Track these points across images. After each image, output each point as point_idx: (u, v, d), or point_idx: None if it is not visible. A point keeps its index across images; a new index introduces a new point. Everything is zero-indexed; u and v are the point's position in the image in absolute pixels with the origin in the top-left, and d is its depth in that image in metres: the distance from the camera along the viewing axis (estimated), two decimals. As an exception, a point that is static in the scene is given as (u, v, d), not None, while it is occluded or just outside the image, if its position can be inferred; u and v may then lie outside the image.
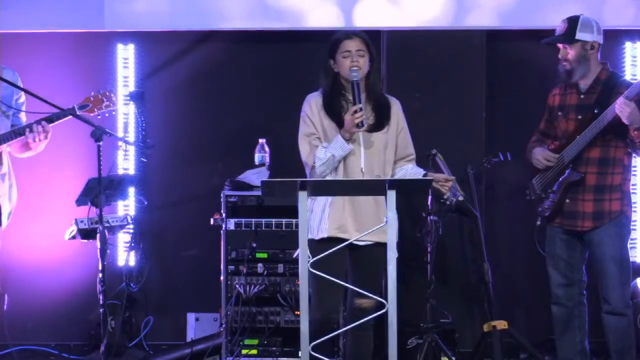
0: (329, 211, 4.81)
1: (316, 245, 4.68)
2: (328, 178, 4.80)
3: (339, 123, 4.82)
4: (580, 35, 5.36)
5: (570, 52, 5.38)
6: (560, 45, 5.41)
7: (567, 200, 5.43)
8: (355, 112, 4.72)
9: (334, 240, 4.74)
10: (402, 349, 5.62)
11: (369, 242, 4.81)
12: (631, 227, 5.66)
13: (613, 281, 5.37)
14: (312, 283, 4.65)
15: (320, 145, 4.82)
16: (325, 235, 4.80)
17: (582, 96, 5.45)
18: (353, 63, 4.81)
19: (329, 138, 4.82)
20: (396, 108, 4.97)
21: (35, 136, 5.20)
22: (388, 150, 4.90)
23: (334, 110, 4.87)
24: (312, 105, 4.91)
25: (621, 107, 5.20)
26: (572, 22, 5.38)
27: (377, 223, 4.55)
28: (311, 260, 4.27)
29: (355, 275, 4.90)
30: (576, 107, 5.46)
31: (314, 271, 4.28)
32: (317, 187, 4.46)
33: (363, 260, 4.87)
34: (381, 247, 4.58)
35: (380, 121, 4.90)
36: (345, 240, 4.68)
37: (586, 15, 5.43)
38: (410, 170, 4.96)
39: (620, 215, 5.41)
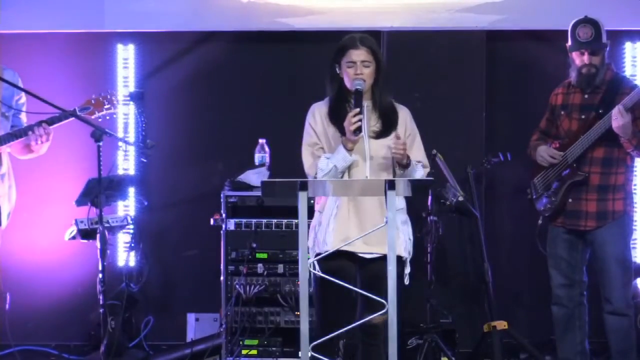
0: (333, 224, 4.67)
1: (323, 262, 4.54)
2: None
3: (343, 132, 4.65)
4: (604, 39, 5.37)
5: (597, 57, 5.37)
6: (584, 50, 5.38)
7: (570, 200, 5.43)
8: (354, 116, 4.55)
9: (340, 254, 4.58)
10: (402, 349, 5.62)
11: (378, 255, 4.62)
12: (633, 227, 5.66)
13: (615, 281, 5.38)
14: (317, 301, 4.67)
15: (323, 155, 4.68)
16: (330, 248, 4.60)
17: (586, 96, 5.45)
18: (357, 75, 4.65)
19: (334, 148, 4.67)
20: (403, 115, 4.80)
21: (37, 138, 5.20)
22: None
23: (338, 119, 4.69)
24: (316, 114, 4.77)
25: (615, 116, 5.20)
26: (597, 27, 5.37)
27: (384, 236, 4.24)
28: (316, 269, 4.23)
29: (365, 290, 4.49)
30: (580, 106, 5.46)
31: (318, 271, 4.24)
32: (317, 188, 4.45)
33: (372, 274, 4.64)
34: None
35: (387, 128, 4.73)
36: (352, 253, 4.59)
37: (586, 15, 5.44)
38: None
39: (624, 215, 5.41)
